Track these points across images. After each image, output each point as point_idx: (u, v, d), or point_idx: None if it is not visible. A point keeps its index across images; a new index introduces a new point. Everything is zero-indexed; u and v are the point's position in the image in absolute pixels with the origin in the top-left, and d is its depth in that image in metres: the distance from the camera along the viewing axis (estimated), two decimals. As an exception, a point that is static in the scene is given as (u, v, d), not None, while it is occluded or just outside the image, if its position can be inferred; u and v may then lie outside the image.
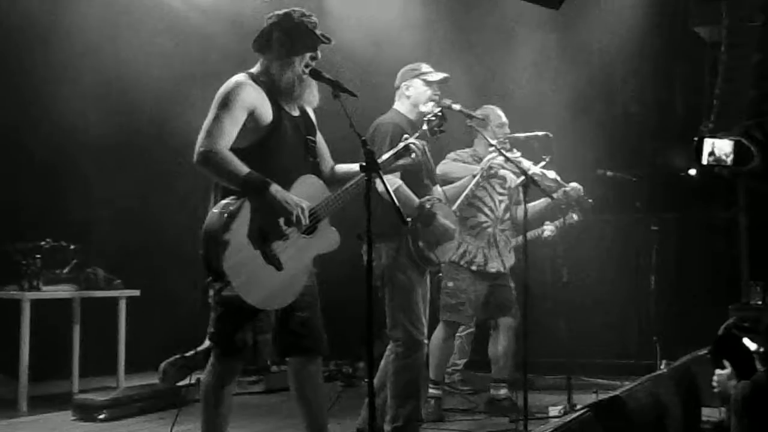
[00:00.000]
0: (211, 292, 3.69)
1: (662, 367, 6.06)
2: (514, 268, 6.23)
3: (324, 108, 4.01)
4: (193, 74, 7.58)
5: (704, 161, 2.52)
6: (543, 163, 6.15)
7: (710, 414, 4.51)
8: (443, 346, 6.09)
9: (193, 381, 6.62)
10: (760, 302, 6.42)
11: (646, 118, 8.89)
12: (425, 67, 5.13)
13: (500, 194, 6.16)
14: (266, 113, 3.79)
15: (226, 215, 3.59)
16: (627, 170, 7.43)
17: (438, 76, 5.08)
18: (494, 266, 6.07)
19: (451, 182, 5.92)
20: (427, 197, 4.91)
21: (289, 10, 3.89)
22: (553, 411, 5.89)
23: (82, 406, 6.05)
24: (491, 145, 5.52)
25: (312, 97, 3.96)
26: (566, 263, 6.37)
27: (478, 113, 5.62)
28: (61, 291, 6.77)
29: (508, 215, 6.25)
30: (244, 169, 3.62)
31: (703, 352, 4.26)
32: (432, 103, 5.00)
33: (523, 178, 5.26)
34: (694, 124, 8.04)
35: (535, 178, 5.54)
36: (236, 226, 3.59)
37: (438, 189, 5.22)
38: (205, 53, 7.94)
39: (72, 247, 6.88)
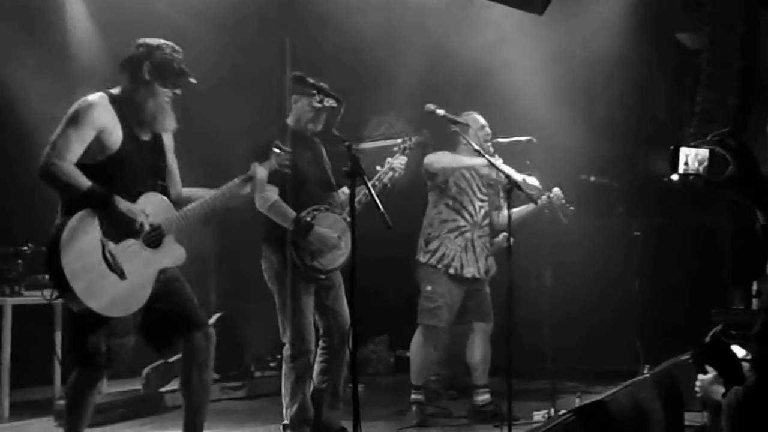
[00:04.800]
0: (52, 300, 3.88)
1: (645, 371, 6.08)
2: (497, 273, 6.21)
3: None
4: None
5: (680, 170, 2.52)
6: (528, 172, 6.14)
7: (693, 418, 4.52)
8: (422, 351, 6.06)
9: (176, 387, 6.62)
10: (742, 306, 6.42)
11: (628, 124, 8.91)
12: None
13: (480, 200, 6.16)
14: (114, 136, 3.90)
15: (68, 224, 3.73)
16: (609, 175, 7.44)
17: (328, 102, 5.12)
18: (470, 271, 6.04)
19: (434, 173, 6.02)
20: (309, 209, 5.04)
21: (161, 43, 4.04)
22: (537, 416, 5.90)
23: (64, 413, 5.99)
24: (476, 151, 5.48)
25: (170, 125, 4.12)
26: (549, 266, 6.37)
27: (461, 119, 5.64)
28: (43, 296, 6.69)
29: (487, 221, 6.23)
30: (86, 182, 3.77)
31: (686, 357, 4.27)
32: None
33: (507, 182, 5.22)
34: (677, 130, 8.08)
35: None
36: (78, 235, 3.72)
37: (340, 194, 5.35)
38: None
39: (54, 252, 6.81)
